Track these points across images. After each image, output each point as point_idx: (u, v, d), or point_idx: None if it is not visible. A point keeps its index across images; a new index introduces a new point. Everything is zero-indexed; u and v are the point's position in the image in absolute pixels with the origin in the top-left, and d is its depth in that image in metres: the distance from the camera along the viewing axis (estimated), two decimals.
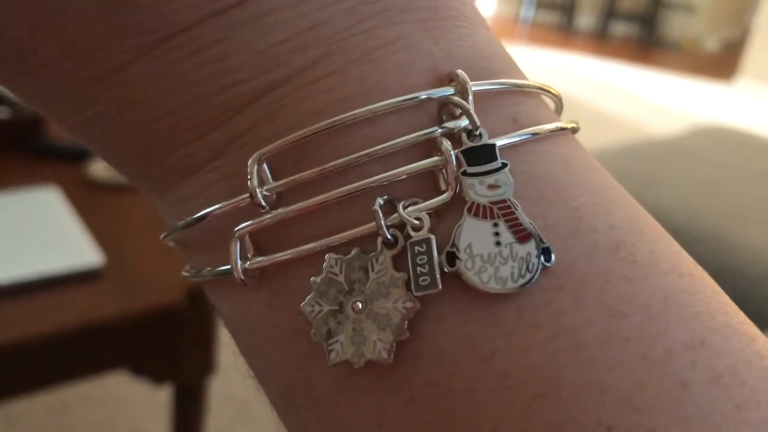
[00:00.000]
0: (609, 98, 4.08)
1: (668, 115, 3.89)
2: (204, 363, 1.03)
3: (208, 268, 0.17)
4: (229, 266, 0.16)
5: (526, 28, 5.79)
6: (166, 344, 0.97)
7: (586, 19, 5.95)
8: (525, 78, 0.17)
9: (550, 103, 0.18)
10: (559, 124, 0.16)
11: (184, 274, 0.18)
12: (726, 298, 0.16)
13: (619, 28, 5.89)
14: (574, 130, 0.17)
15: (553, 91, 0.18)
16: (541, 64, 4.62)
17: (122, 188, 1.12)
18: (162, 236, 0.18)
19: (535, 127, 0.16)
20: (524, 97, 0.17)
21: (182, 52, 0.15)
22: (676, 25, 5.77)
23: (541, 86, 0.17)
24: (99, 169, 1.14)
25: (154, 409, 1.40)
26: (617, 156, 1.60)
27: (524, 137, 0.16)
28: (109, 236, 0.97)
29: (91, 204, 1.06)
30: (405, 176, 0.15)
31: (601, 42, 5.67)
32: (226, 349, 1.22)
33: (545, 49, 5.11)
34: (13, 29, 0.16)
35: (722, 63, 5.27)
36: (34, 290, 0.86)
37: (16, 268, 0.87)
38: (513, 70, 0.17)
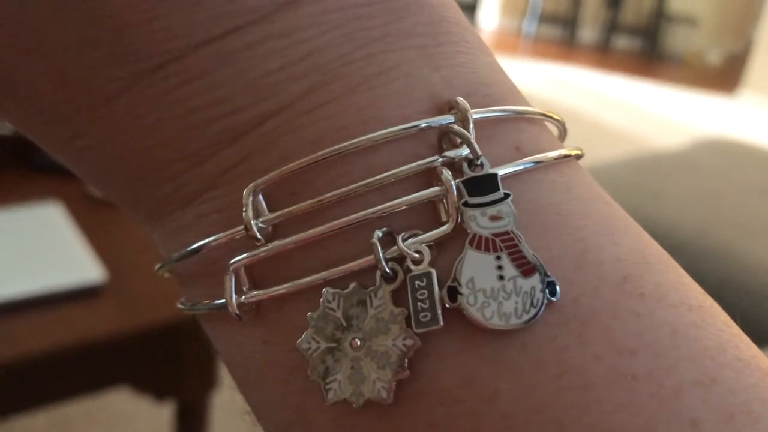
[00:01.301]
0: (612, 111, 4.08)
1: (671, 128, 3.89)
2: (206, 379, 1.02)
3: (204, 302, 0.17)
4: (224, 300, 0.16)
5: (529, 42, 5.80)
6: (168, 360, 0.97)
7: (588, 33, 5.97)
8: (527, 104, 0.16)
9: (553, 130, 0.18)
10: (563, 152, 0.16)
11: (180, 306, 0.18)
12: (737, 330, 0.15)
13: (622, 42, 5.91)
14: (578, 157, 0.17)
15: (555, 117, 0.17)
16: (543, 78, 4.63)
17: None
18: (156, 268, 0.17)
19: (538, 155, 0.15)
20: (527, 124, 0.16)
21: (174, 80, 0.15)
22: (678, 39, 5.79)
23: (544, 113, 0.17)
24: None
25: (156, 426, 1.39)
26: (621, 169, 1.60)
27: (527, 166, 0.15)
28: (111, 252, 0.97)
29: (94, 220, 1.06)
30: (404, 207, 0.15)
31: (603, 55, 5.68)
32: None
33: (548, 62, 5.12)
34: (8, 60, 0.15)
35: (725, 76, 5.28)
36: (36, 306, 0.86)
37: (18, 284, 0.87)
38: (515, 96, 0.17)
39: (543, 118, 0.17)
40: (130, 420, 1.44)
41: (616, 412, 0.13)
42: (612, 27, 5.83)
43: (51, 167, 1.20)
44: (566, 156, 0.16)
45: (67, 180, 1.16)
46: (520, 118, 0.16)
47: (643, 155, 1.78)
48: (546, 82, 4.53)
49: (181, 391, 1.01)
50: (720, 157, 1.74)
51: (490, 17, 6.02)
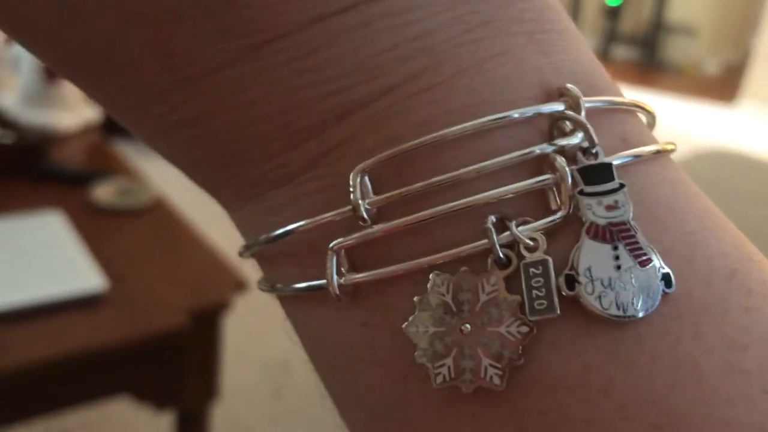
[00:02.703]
0: None
1: (670, 138, 3.88)
2: (207, 388, 1.02)
3: (290, 283, 0.16)
4: (319, 281, 0.15)
5: None
6: (169, 370, 0.97)
7: (587, 43, 5.99)
8: (623, 95, 0.16)
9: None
10: (668, 145, 0.16)
11: (261, 287, 0.17)
12: None
13: (620, 52, 5.93)
14: (672, 152, 0.16)
15: (648, 108, 0.17)
16: None
17: (126, 213, 1.12)
18: (239, 250, 0.17)
19: (644, 148, 0.15)
20: (629, 115, 0.16)
21: (284, 56, 0.15)
22: (677, 49, 5.80)
23: (638, 103, 0.16)
24: (103, 193, 1.14)
25: None
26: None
27: (635, 158, 0.15)
28: (112, 261, 0.97)
29: (95, 228, 1.06)
30: (513, 194, 0.14)
31: (602, 65, 5.70)
32: (229, 374, 1.21)
33: None
34: (106, 24, 0.15)
35: (723, 86, 5.29)
36: (37, 315, 0.86)
37: (19, 292, 0.87)
38: (615, 87, 0.16)
39: (638, 109, 0.16)
40: (130, 429, 1.43)
41: (729, 406, 0.13)
42: (611, 37, 5.85)
43: (52, 176, 1.20)
44: (665, 150, 0.16)
45: (69, 188, 1.16)
46: (622, 109, 0.16)
47: None
48: None
49: (182, 401, 1.00)
50: (718, 167, 1.75)
51: None
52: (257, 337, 1.53)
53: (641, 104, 0.16)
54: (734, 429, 0.13)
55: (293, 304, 0.17)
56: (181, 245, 1.09)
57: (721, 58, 5.80)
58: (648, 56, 5.81)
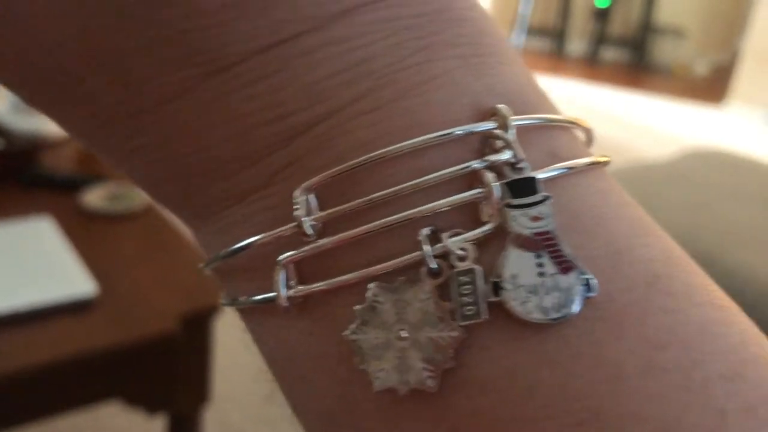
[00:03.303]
0: (600, 123, 4.10)
1: (659, 139, 3.91)
2: (198, 392, 1.02)
3: (247, 296, 0.17)
4: (271, 294, 0.16)
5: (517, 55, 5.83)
6: (160, 374, 0.96)
7: (576, 45, 6.01)
8: (559, 113, 0.17)
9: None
10: (594, 159, 0.17)
11: (222, 302, 0.18)
12: (757, 330, 0.16)
13: (610, 54, 5.95)
14: (606, 164, 0.17)
15: (584, 125, 0.18)
16: None
17: (116, 218, 1.12)
18: (201, 265, 0.18)
19: (573, 161, 0.16)
20: (560, 131, 0.17)
21: (235, 83, 0.16)
22: (665, 50, 5.83)
23: (574, 120, 0.17)
24: (93, 198, 1.14)
25: None
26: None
27: (563, 171, 0.16)
28: (102, 266, 0.97)
29: (85, 234, 1.06)
30: (447, 207, 0.15)
31: (591, 67, 5.72)
32: (221, 378, 1.21)
33: (537, 75, 5.14)
34: (67, 58, 0.16)
35: (712, 87, 5.32)
36: (27, 320, 0.86)
37: (9, 298, 0.87)
38: (549, 104, 0.18)
39: (573, 125, 0.18)
40: None
41: (648, 402, 0.14)
42: (600, 39, 5.87)
43: (42, 182, 1.19)
44: (597, 162, 0.17)
45: (59, 194, 1.16)
46: (554, 125, 0.17)
47: (631, 166, 1.79)
48: None
49: (173, 405, 1.00)
50: (707, 167, 1.76)
51: None
52: (249, 341, 1.52)
53: (576, 120, 0.18)
54: (652, 424, 0.14)
55: (250, 316, 0.18)
56: (171, 249, 1.09)
57: (709, 60, 5.83)
58: (637, 58, 5.83)
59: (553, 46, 5.99)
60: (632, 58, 5.87)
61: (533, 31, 5.96)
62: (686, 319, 0.15)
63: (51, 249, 1.00)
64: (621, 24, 5.94)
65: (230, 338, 1.34)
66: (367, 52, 0.16)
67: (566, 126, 0.17)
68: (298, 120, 0.16)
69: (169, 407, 1.01)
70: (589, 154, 0.17)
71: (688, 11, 5.66)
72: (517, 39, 5.92)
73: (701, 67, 5.79)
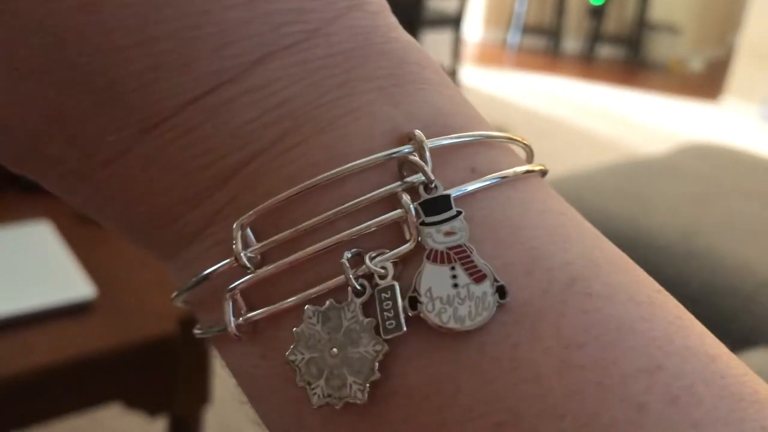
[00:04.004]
0: (597, 120, 4.11)
1: (655, 135, 3.92)
2: (198, 394, 1.02)
3: (212, 326, 0.19)
4: (223, 324, 0.18)
5: (513, 54, 5.84)
6: (160, 376, 0.96)
7: (572, 43, 6.01)
8: (489, 130, 0.18)
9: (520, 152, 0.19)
10: (519, 169, 0.18)
11: (196, 332, 0.20)
12: (691, 321, 0.16)
13: (605, 51, 5.95)
14: (543, 173, 0.18)
15: (518, 138, 0.19)
16: (529, 89, 4.65)
17: None
18: (171, 297, 0.19)
19: (491, 174, 0.17)
20: (484, 147, 0.18)
21: (169, 136, 0.17)
22: (660, 47, 5.83)
23: (507, 136, 0.18)
24: None
25: None
26: (607, 175, 1.61)
27: (480, 185, 0.17)
28: (101, 269, 0.97)
29: (83, 237, 1.06)
30: (373, 229, 0.16)
31: (587, 65, 5.72)
32: (221, 380, 1.21)
33: (533, 73, 5.15)
34: (32, 130, 0.18)
35: (707, 83, 5.32)
36: (27, 324, 0.86)
37: (8, 302, 0.87)
38: (474, 124, 0.18)
39: (506, 141, 0.18)
40: None
41: (566, 399, 0.14)
42: (595, 37, 5.87)
43: (40, 186, 1.19)
44: (528, 172, 0.18)
45: (56, 199, 1.16)
46: (477, 143, 0.18)
47: (629, 161, 1.80)
48: (531, 93, 4.56)
49: (174, 407, 1.00)
50: (704, 162, 1.76)
51: (474, 30, 6.06)
52: None
53: (510, 136, 0.18)
54: (569, 421, 0.14)
55: (218, 344, 0.19)
56: None
57: (704, 56, 5.84)
58: (632, 55, 5.84)
59: (548, 44, 5.99)
60: (627, 55, 5.87)
61: (528, 29, 5.96)
62: (604, 318, 0.15)
63: (50, 252, 1.00)
64: (616, 21, 5.94)
65: None
66: (285, 95, 0.17)
67: (494, 142, 0.18)
68: (229, 162, 0.17)
69: (170, 409, 1.01)
70: (515, 166, 0.18)
71: (683, 7, 5.66)
72: (512, 38, 5.92)
73: (696, 63, 5.80)
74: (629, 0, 5.84)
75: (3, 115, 0.18)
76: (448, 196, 0.16)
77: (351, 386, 0.16)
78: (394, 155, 0.17)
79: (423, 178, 0.17)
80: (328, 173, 0.16)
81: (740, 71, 4.66)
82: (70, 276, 0.94)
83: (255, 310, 0.17)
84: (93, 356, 0.86)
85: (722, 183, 1.63)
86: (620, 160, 1.82)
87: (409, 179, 0.17)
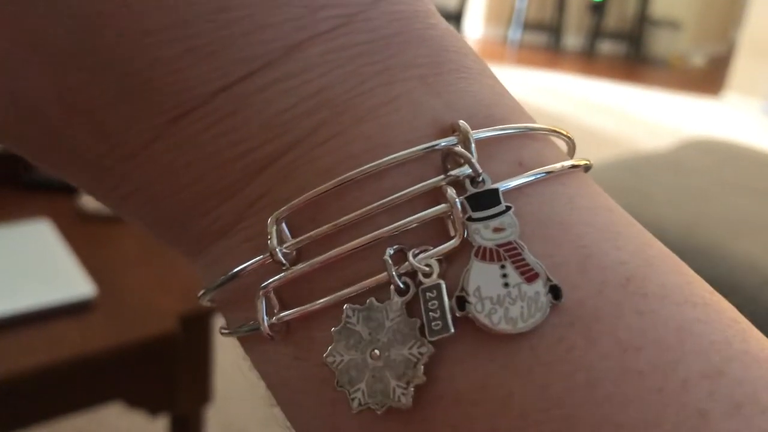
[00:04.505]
0: (598, 116, 4.10)
1: (657, 131, 3.91)
2: (200, 392, 1.02)
3: (241, 326, 0.18)
4: (256, 322, 0.17)
5: (514, 50, 5.84)
6: (161, 375, 0.96)
7: (573, 39, 6.01)
8: (531, 122, 0.17)
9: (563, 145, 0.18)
10: (566, 163, 0.17)
11: (222, 332, 0.19)
12: (746, 325, 0.16)
13: (606, 47, 5.95)
14: (587, 168, 0.17)
15: (562, 132, 0.18)
16: (530, 85, 4.65)
17: (114, 219, 1.12)
18: (198, 295, 0.19)
19: (539, 169, 0.16)
20: (530, 140, 0.17)
21: (199, 125, 0.16)
22: (662, 42, 5.83)
23: (551, 128, 0.17)
24: (90, 200, 1.14)
25: None
26: (609, 171, 1.61)
27: (529, 179, 0.16)
28: (101, 267, 0.97)
29: (83, 235, 1.06)
30: (415, 225, 0.15)
31: (588, 61, 5.72)
32: (222, 378, 1.21)
33: (534, 69, 5.15)
34: (51, 117, 0.17)
35: (709, 78, 5.32)
36: (27, 323, 0.86)
37: (8, 301, 0.87)
38: (517, 115, 0.17)
39: (548, 133, 0.17)
40: None
41: (625, 406, 0.13)
42: (596, 32, 5.87)
43: (40, 184, 1.19)
44: (574, 166, 0.17)
45: (57, 196, 1.16)
46: (522, 135, 0.17)
47: (631, 157, 1.79)
48: (533, 89, 4.55)
49: (175, 406, 1.00)
50: (706, 157, 1.76)
51: (475, 26, 6.06)
52: None
53: (554, 128, 0.18)
54: (629, 430, 0.13)
55: (246, 344, 0.18)
56: (169, 250, 1.09)
57: (706, 51, 5.83)
58: (633, 51, 5.84)
59: (549, 40, 5.99)
60: (629, 50, 5.87)
61: (530, 25, 5.96)
62: (662, 320, 0.14)
63: (50, 251, 0.99)
64: (617, 17, 5.94)
65: (231, 338, 1.34)
66: (322, 82, 0.16)
67: (538, 135, 0.17)
68: (264, 153, 0.16)
69: (171, 408, 1.00)
70: (562, 160, 0.17)
71: (684, 3, 5.66)
72: (513, 34, 5.92)
73: (698, 59, 5.79)
74: None
75: (27, 103, 0.17)
76: (496, 190, 0.16)
77: (394, 390, 0.15)
78: (437, 147, 0.16)
79: (468, 171, 0.16)
80: (368, 165, 0.15)
81: (741, 66, 4.65)
82: (70, 275, 0.94)
83: (288, 309, 0.16)
84: (93, 355, 0.86)
85: (724, 178, 1.63)
86: (622, 156, 1.82)
87: (453, 172, 0.16)
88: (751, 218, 1.44)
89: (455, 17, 4.14)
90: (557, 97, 4.44)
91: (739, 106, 4.61)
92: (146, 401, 0.97)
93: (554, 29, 5.93)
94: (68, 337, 0.86)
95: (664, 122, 4.16)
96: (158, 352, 0.93)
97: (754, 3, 4.59)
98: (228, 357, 1.31)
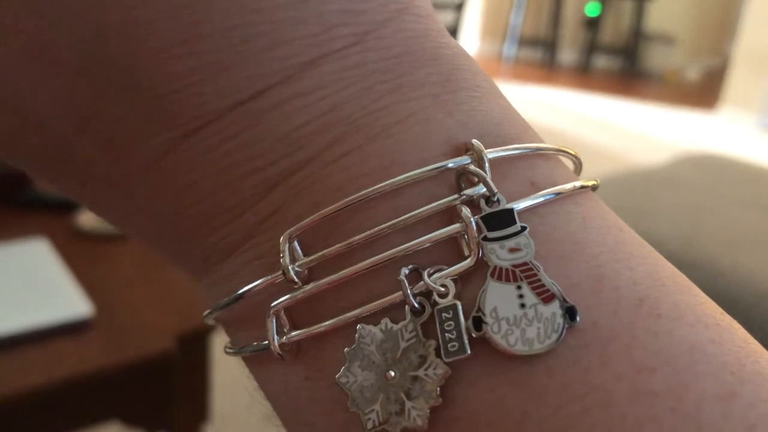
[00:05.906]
0: (594, 131, 4.12)
1: (653, 146, 3.92)
2: (197, 411, 1.01)
3: (248, 345, 0.18)
4: (265, 342, 0.17)
5: (510, 66, 5.86)
6: (158, 393, 0.96)
7: (568, 54, 6.04)
8: (541, 141, 0.17)
9: (569, 164, 0.18)
10: (577, 183, 0.17)
11: (227, 351, 0.18)
12: (757, 346, 0.16)
13: (601, 62, 5.98)
14: (594, 188, 0.17)
15: (570, 151, 0.18)
16: (525, 100, 4.67)
17: (111, 238, 1.12)
18: (204, 314, 0.18)
19: (552, 189, 0.16)
20: (541, 159, 0.17)
21: (212, 141, 0.16)
22: (657, 57, 5.86)
23: (559, 148, 0.18)
24: (87, 219, 1.14)
25: None
26: (605, 187, 1.61)
27: (542, 199, 0.16)
28: (98, 286, 0.97)
29: (80, 255, 1.05)
30: (429, 244, 0.15)
31: (583, 76, 5.74)
32: (220, 397, 1.20)
33: (529, 85, 5.17)
34: (58, 130, 0.17)
35: (704, 92, 5.34)
36: (24, 343, 0.86)
37: (5, 320, 0.86)
38: (528, 134, 0.17)
39: (557, 153, 0.18)
40: None
41: (640, 427, 0.13)
42: (591, 48, 5.90)
43: (36, 203, 1.19)
44: (583, 187, 0.17)
45: (54, 215, 1.16)
46: (533, 154, 0.17)
47: (626, 172, 1.80)
48: (528, 105, 4.57)
49: (172, 425, 1.00)
50: (702, 171, 1.76)
51: (470, 42, 6.08)
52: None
53: (561, 148, 0.18)
54: None
55: (253, 365, 0.18)
56: (167, 269, 1.09)
57: (700, 65, 5.86)
58: (628, 65, 5.86)
59: (544, 55, 6.01)
60: (624, 65, 5.90)
61: (524, 41, 5.99)
62: (675, 341, 0.14)
63: (46, 270, 0.99)
64: (611, 32, 5.97)
65: (229, 357, 1.33)
66: (336, 100, 0.16)
67: (548, 154, 0.17)
68: (276, 170, 0.16)
69: (169, 427, 1.00)
70: (572, 180, 0.17)
71: (678, 17, 5.69)
72: (508, 50, 5.94)
73: (693, 73, 5.82)
74: (625, 11, 5.87)
75: (34, 114, 0.17)
76: (511, 210, 0.16)
77: (410, 412, 0.15)
78: (451, 166, 0.16)
79: (483, 190, 0.16)
80: (382, 184, 0.15)
81: (737, 80, 4.67)
82: (67, 294, 0.94)
83: (299, 328, 0.16)
84: (91, 374, 0.85)
85: (720, 193, 1.63)
86: (618, 171, 1.82)
87: (468, 191, 0.16)
88: (747, 232, 1.44)
89: (450, 33, 4.15)
90: (552, 112, 4.45)
91: (734, 120, 4.63)
92: (144, 420, 0.96)
93: (549, 44, 5.96)
94: (65, 357, 0.86)
95: (660, 136, 4.17)
96: (155, 371, 0.93)
97: (748, 17, 4.62)
98: (225, 376, 1.31)
